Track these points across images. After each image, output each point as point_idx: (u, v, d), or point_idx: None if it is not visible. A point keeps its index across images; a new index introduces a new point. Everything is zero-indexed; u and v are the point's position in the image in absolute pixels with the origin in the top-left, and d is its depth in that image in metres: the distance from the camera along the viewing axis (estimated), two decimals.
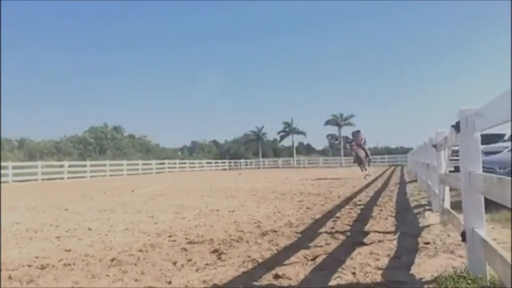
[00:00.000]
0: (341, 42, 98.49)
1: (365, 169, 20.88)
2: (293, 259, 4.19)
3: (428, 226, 5.85)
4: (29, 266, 4.15)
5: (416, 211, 7.62)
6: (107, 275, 3.76)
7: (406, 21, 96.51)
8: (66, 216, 8.13)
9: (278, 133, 68.52)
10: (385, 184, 15.88)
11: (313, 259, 4.16)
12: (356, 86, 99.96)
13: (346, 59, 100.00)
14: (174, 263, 4.15)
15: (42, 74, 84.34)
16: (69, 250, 4.91)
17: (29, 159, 33.01)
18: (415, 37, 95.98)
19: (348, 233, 5.57)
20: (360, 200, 9.83)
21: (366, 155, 21.18)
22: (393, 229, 5.85)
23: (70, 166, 30.59)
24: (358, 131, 21.86)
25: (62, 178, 28.58)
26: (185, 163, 47.32)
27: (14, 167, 25.88)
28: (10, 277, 3.72)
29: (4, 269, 4.06)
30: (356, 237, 5.24)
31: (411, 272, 3.62)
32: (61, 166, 29.91)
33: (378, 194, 11.45)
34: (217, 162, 53.92)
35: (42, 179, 26.84)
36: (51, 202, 11.19)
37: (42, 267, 4.08)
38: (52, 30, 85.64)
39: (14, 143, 39.40)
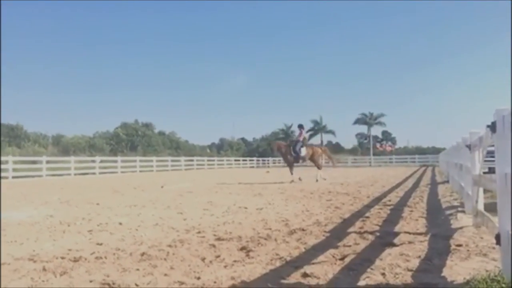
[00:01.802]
0: (371, 39, 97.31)
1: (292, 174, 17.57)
2: (321, 258, 4.17)
3: (460, 228, 5.72)
4: (62, 258, 4.26)
5: (448, 212, 7.46)
6: (137, 269, 3.82)
7: (438, 16, 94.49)
8: (98, 211, 8.30)
9: (307, 131, 68.12)
10: (416, 184, 15.61)
11: (342, 259, 4.12)
12: (387, 84, 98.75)
13: (377, 56, 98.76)
14: (203, 259, 4.18)
15: (76, 73, 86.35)
16: (101, 244, 5.01)
17: (62, 154, 33.79)
18: (449, 32, 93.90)
19: (378, 234, 5.49)
20: (389, 200, 9.69)
21: (301, 158, 17.73)
22: (424, 230, 5.75)
23: (101, 161, 31.21)
24: (299, 126, 18.60)
25: (94, 174, 29.20)
26: (213, 160, 47.63)
27: (48, 162, 26.58)
28: (44, 269, 3.83)
29: (39, 260, 4.18)
30: (385, 238, 5.17)
31: (443, 274, 3.54)
32: (93, 161, 30.54)
33: (408, 194, 11.27)
34: (245, 160, 54.07)
35: (75, 174, 27.47)
36: (83, 197, 11.45)
37: (75, 260, 4.18)
38: (85, 28, 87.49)
39: (48, 139, 40.42)
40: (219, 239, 5.27)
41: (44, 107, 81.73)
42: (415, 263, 3.93)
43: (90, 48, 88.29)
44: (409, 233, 5.50)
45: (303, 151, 17.47)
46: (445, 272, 3.59)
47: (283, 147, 18.13)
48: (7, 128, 36.86)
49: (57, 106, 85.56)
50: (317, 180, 17.02)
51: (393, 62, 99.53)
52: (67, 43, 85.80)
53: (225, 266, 3.93)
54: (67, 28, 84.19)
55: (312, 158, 18.07)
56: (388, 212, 7.71)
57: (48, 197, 11.39)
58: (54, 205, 9.42)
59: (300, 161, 18.04)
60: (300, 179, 17.08)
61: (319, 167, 18.00)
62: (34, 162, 26.66)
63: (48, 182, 20.78)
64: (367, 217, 7.05)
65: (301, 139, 17.75)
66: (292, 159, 17.66)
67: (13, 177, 23.23)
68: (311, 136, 68.46)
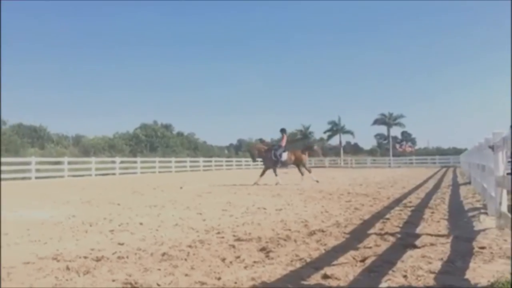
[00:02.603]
0: (391, 39, 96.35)
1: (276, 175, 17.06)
2: (341, 259, 4.14)
3: (483, 230, 5.62)
4: (85, 258, 4.32)
5: (470, 214, 7.35)
6: (159, 269, 3.85)
7: (461, 16, 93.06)
8: (119, 211, 8.40)
9: (325, 132, 67.79)
10: (437, 186, 15.41)
11: (363, 261, 4.09)
12: (406, 84, 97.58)
13: (395, 56, 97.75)
14: (223, 260, 4.20)
15: (96, 74, 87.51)
16: (122, 244, 5.07)
17: (83, 155, 34.29)
18: (472, 31, 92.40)
19: (399, 235, 5.44)
20: (410, 202, 9.59)
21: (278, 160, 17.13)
22: (446, 232, 5.67)
23: (121, 162, 31.56)
24: (281, 131, 17.76)
25: (114, 174, 29.55)
26: (231, 161, 47.73)
27: (69, 163, 26.99)
28: (67, 268, 3.89)
29: (62, 260, 4.25)
30: (407, 240, 5.11)
31: (466, 277, 3.49)
32: (113, 162, 30.90)
33: (429, 196, 11.13)
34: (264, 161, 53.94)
35: (96, 175, 27.84)
36: (104, 197, 11.61)
37: (97, 259, 4.24)
38: (105, 29, 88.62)
39: (69, 139, 41.06)
40: (238, 239, 5.29)
41: (64, 108, 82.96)
42: (437, 265, 3.88)
43: (110, 49, 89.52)
44: (431, 235, 5.43)
45: (284, 156, 17.14)
46: (468, 275, 3.54)
47: (263, 151, 17.78)
48: (30, 129, 37.55)
49: (77, 107, 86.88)
50: (317, 181, 16.84)
51: (414, 62, 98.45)
52: (88, 44, 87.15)
53: (245, 267, 3.94)
54: (87, 29, 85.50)
55: (296, 163, 17.74)
56: (409, 213, 7.63)
57: (70, 197, 11.57)
58: (76, 205, 9.57)
59: (279, 165, 17.55)
60: (278, 183, 16.48)
61: (302, 173, 17.53)
62: (56, 163, 27.09)
63: (69, 183, 21.11)
64: (388, 218, 6.98)
65: (283, 144, 17.34)
66: (272, 163, 17.30)
67: (36, 178, 23.65)
68: (329, 137, 68.21)
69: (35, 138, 36.50)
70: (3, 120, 34.68)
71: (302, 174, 17.39)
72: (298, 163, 17.67)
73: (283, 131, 17.46)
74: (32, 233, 5.93)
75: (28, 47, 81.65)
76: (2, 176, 22.11)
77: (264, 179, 16.92)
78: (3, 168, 22.62)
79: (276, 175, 17.02)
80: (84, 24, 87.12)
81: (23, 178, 23.20)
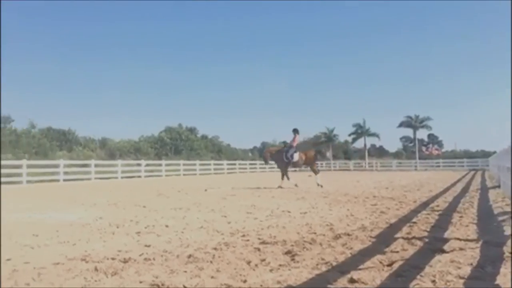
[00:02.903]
0: (416, 40, 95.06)
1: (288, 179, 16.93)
2: (368, 263, 4.10)
3: None
4: (113, 259, 4.39)
5: (500, 218, 7.18)
6: (185, 271, 3.88)
7: (492, 18, 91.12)
8: (145, 213, 8.50)
9: (350, 134, 67.09)
10: (465, 189, 15.08)
11: (390, 265, 4.04)
12: (433, 86, 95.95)
13: (421, 58, 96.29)
14: (248, 263, 4.21)
15: (121, 77, 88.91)
16: (149, 246, 5.13)
17: (109, 157, 34.85)
18: (493, 34, 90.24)
19: (426, 240, 5.35)
20: (437, 206, 9.41)
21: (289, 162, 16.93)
22: (475, 237, 5.55)
23: (147, 165, 31.92)
24: (294, 131, 17.23)
25: (139, 177, 29.92)
26: (255, 164, 47.76)
27: (96, 165, 27.46)
28: (96, 269, 3.96)
29: (91, 261, 4.32)
30: (434, 244, 5.02)
31: (496, 282, 3.42)
32: (139, 165, 31.29)
33: (457, 199, 10.91)
34: None
35: (122, 177, 28.24)
36: (130, 199, 11.76)
37: (125, 261, 4.30)
38: (132, 32, 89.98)
39: (96, 142, 41.76)
40: (263, 242, 5.28)
41: (91, 112, 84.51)
42: (466, 270, 3.81)
43: (137, 53, 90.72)
44: (460, 239, 5.32)
45: (296, 157, 16.94)
46: (499, 280, 3.46)
47: (275, 153, 17.73)
48: (59, 132, 38.39)
49: (103, 111, 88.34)
50: (318, 184, 16.46)
51: (441, 64, 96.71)
52: (114, 48, 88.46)
53: (270, 270, 3.94)
54: (113, 33, 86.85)
55: (307, 163, 17.60)
56: (437, 217, 7.49)
57: (97, 199, 11.76)
58: (103, 207, 9.72)
59: (292, 166, 17.49)
60: (296, 185, 16.52)
61: (315, 172, 17.48)
62: (84, 166, 27.60)
63: (96, 185, 21.48)
64: (415, 222, 6.87)
65: (294, 144, 17.13)
66: (284, 164, 17.12)
67: (64, 180, 24.13)
68: (354, 140, 67.47)
69: (63, 141, 37.27)
70: (32, 123, 35.54)
71: (315, 173, 17.40)
72: (311, 164, 17.59)
73: (295, 131, 17.19)
74: (61, 234, 6.05)
75: (56, 51, 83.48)
76: (32, 178, 22.68)
77: (294, 181, 16.87)
78: (33, 170, 23.18)
79: (286, 177, 16.93)
80: (111, 28, 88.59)
81: (51, 181, 23.71)
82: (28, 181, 22.26)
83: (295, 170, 21.30)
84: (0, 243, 4.52)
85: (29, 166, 22.98)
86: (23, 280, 3.65)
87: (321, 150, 21.28)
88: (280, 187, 16.48)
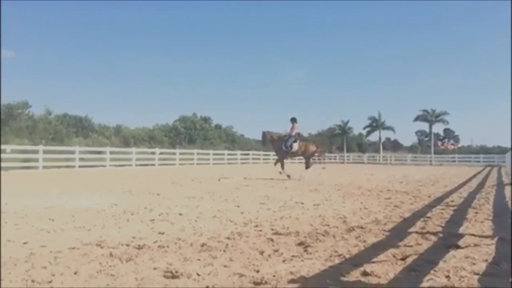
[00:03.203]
0: (434, 35, 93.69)
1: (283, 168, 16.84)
2: (381, 257, 4.09)
3: None
4: (127, 245, 4.44)
5: None
6: (198, 259, 3.91)
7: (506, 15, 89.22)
8: (159, 201, 8.57)
9: (364, 127, 66.62)
10: (481, 185, 14.91)
11: (403, 259, 4.02)
12: (450, 80, 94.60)
13: (437, 51, 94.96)
14: (261, 253, 4.22)
15: (137, 67, 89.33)
16: (163, 233, 5.17)
17: (124, 145, 35.10)
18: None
19: (440, 235, 5.30)
20: (452, 201, 9.32)
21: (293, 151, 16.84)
22: (490, 233, 5.49)
23: (161, 153, 32.12)
24: (292, 120, 17.02)
25: (153, 165, 30.13)
26: (269, 154, 47.71)
27: (111, 152, 27.72)
28: (111, 255, 4.01)
29: (106, 246, 4.38)
30: (449, 239, 4.98)
31: None
32: (153, 153, 31.49)
33: (472, 195, 10.79)
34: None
35: (136, 165, 28.48)
36: (145, 187, 11.86)
37: (139, 247, 4.35)
38: (148, 23, 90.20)
39: (111, 130, 42.03)
40: (276, 233, 5.29)
41: (106, 99, 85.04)
42: (481, 266, 3.77)
43: (151, 43, 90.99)
44: (475, 235, 5.27)
45: (295, 146, 16.73)
46: None
47: (276, 140, 17.43)
48: (75, 119, 38.75)
49: (119, 98, 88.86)
50: (299, 178, 16.19)
51: (456, 59, 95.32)
52: (130, 38, 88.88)
53: (283, 261, 3.95)
54: (129, 22, 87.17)
55: (304, 155, 17.40)
56: (451, 212, 7.42)
57: (112, 186, 11.89)
58: (117, 194, 9.82)
59: (289, 156, 17.35)
60: (289, 176, 16.39)
61: (307, 166, 17.27)
62: (99, 153, 27.87)
63: (111, 172, 21.70)
64: (429, 217, 6.82)
65: (293, 133, 16.89)
66: (283, 153, 16.96)
67: (79, 166, 24.41)
68: (368, 133, 67.04)
69: (79, 128, 37.62)
70: (48, 109, 35.88)
71: (307, 167, 17.19)
72: (307, 155, 17.40)
73: (293, 120, 16.99)
74: (77, 219, 6.14)
75: (74, 40, 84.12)
76: (48, 163, 22.98)
77: (307, 172, 16.84)
78: (49, 156, 23.49)
79: (282, 168, 16.84)
80: (126, 17, 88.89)
81: (67, 167, 24.01)
82: (44, 167, 22.58)
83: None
84: (0, 240, 4.59)
85: (45, 152, 23.29)
86: (40, 263, 3.71)
87: (321, 147, 21.06)
88: (280, 172, 16.47)
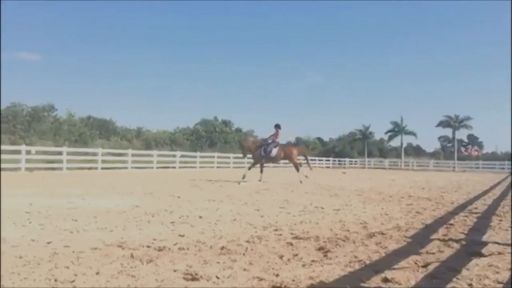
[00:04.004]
0: (457, 39, 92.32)
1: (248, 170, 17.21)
2: (402, 264, 4.04)
3: None
4: (148, 247, 4.49)
5: None
6: (218, 262, 3.93)
7: None
8: (179, 203, 8.63)
9: (386, 132, 65.98)
10: (505, 192, 14.59)
11: (425, 266, 3.97)
12: (474, 85, 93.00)
13: (461, 56, 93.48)
14: (281, 257, 4.22)
15: (159, 71, 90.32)
16: (183, 235, 5.21)
17: (145, 148, 35.46)
18: None
19: (463, 242, 5.22)
20: (476, 208, 9.15)
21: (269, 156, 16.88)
22: None
23: (181, 156, 32.33)
24: (276, 126, 17.12)
25: (174, 167, 30.35)
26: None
27: (133, 155, 28.06)
28: (132, 256, 4.06)
29: (127, 247, 4.44)
30: (472, 247, 4.90)
31: None
32: (174, 156, 31.72)
33: (497, 202, 10.57)
34: (321, 160, 53.56)
35: (157, 167, 28.74)
36: (165, 189, 11.96)
37: (160, 249, 4.39)
38: (173, 27, 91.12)
39: (132, 132, 42.50)
40: (296, 237, 5.28)
41: (129, 102, 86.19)
42: (505, 275, 3.70)
43: (174, 46, 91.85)
44: (498, 243, 5.16)
45: (274, 152, 16.77)
46: None
47: (253, 145, 17.53)
48: (99, 122, 39.37)
49: (141, 102, 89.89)
50: (301, 182, 16.15)
51: (481, 63, 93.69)
52: (152, 42, 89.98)
53: (303, 265, 3.94)
54: (152, 28, 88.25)
55: (287, 159, 17.46)
56: (475, 220, 7.29)
57: (133, 188, 12.02)
58: (139, 196, 9.93)
59: (264, 161, 17.33)
60: (260, 180, 16.49)
61: (296, 169, 17.15)
62: (120, 155, 28.23)
63: (133, 174, 21.95)
64: (452, 224, 6.71)
65: (276, 139, 17.01)
66: (260, 158, 17.08)
67: (102, 168, 24.77)
68: (390, 138, 66.40)
69: (103, 130, 38.18)
70: (71, 112, 36.49)
71: (297, 169, 17.09)
72: (289, 159, 17.44)
73: (277, 126, 17.12)
74: (99, 220, 6.23)
75: (98, 43, 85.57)
76: (71, 165, 23.38)
77: (328, 177, 16.77)
78: (73, 157, 23.92)
79: (261, 171, 17.03)
80: (148, 21, 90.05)
81: (90, 168, 24.37)
82: (67, 168, 22.98)
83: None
84: (0, 241, 4.71)
85: (69, 153, 23.71)
86: (63, 263, 3.78)
87: (304, 151, 21.22)
88: (243, 181, 16.48)
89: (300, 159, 18.92)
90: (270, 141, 17.00)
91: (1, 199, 7.94)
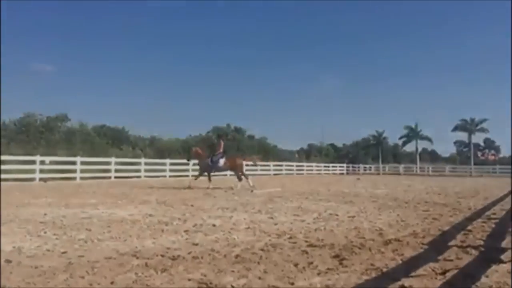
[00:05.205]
0: (470, 38, 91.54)
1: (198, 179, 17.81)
2: (420, 271, 3.97)
3: None
4: (162, 256, 4.48)
5: None
6: (232, 271, 3.90)
7: None
8: (192, 212, 8.63)
9: (400, 138, 65.53)
10: None
11: (443, 273, 3.90)
12: (490, 87, 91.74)
13: (476, 57, 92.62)
14: (296, 265, 4.17)
15: (171, 78, 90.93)
16: (197, 244, 5.20)
17: (158, 156, 35.60)
18: None
19: (482, 249, 5.12)
20: (494, 214, 9.00)
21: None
22: None
23: (194, 164, 32.39)
24: (219, 137, 18.47)
25: (187, 176, 30.41)
26: (302, 165, 47.54)
27: (146, 163, 28.23)
28: (146, 265, 4.05)
29: (141, 257, 4.43)
30: (491, 254, 4.81)
31: None
32: (187, 164, 31.79)
33: None
34: (335, 166, 53.34)
35: (170, 176, 28.84)
36: (178, 198, 11.97)
37: (174, 258, 4.38)
38: (184, 36, 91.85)
39: (145, 141, 42.74)
40: (311, 245, 5.23)
41: (141, 111, 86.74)
42: None
43: (186, 53, 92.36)
44: None
45: (221, 162, 17.60)
46: None
47: (201, 155, 18.33)
48: (113, 131, 39.72)
49: (153, 110, 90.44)
50: (233, 187, 16.93)
51: (497, 64, 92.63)
52: (164, 50, 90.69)
53: (318, 273, 3.89)
54: (165, 35, 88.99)
55: (232, 169, 18.27)
56: (493, 226, 7.16)
57: (146, 197, 12.05)
58: (152, 205, 9.95)
59: (213, 170, 17.94)
60: (209, 187, 16.85)
61: (239, 179, 17.74)
62: (133, 164, 28.40)
63: (146, 183, 22.02)
64: (470, 230, 6.59)
65: (220, 150, 17.84)
66: (207, 168, 17.76)
67: (115, 177, 24.93)
68: (404, 143, 65.91)
69: (116, 140, 38.45)
70: (84, 122, 36.82)
71: (239, 179, 17.63)
72: (234, 169, 18.14)
73: (219, 137, 18.15)
74: (113, 230, 6.25)
75: (111, 54, 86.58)
76: (86, 174, 23.58)
77: (342, 183, 16.67)
78: (87, 167, 24.13)
79: (210, 180, 17.54)
80: (163, 31, 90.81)
81: (103, 178, 24.53)
82: (81, 178, 23.17)
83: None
84: (0, 243, 4.71)
85: (82, 163, 23.94)
86: (78, 273, 3.78)
87: (253, 158, 22.25)
88: (208, 187, 16.79)
89: (249, 164, 19.86)
90: (217, 152, 17.85)
91: (0, 208, 8.08)
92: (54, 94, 72.83)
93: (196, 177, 18.25)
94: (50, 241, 5.33)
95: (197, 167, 19.41)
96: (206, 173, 17.90)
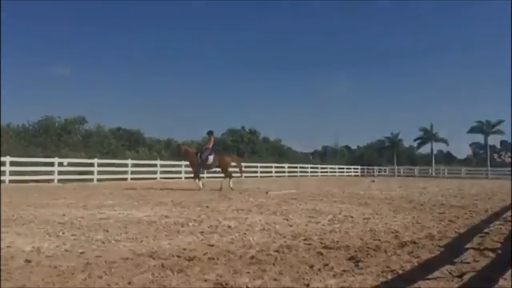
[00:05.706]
0: (487, 38, 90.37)
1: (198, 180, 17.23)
2: (436, 273, 3.95)
3: None
4: (178, 257, 4.52)
5: None
6: (248, 272, 3.93)
7: None
8: (208, 213, 8.68)
9: (415, 140, 64.96)
10: None
11: (460, 276, 3.87)
12: (505, 88, 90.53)
13: (491, 59, 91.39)
14: (311, 267, 4.18)
15: (185, 82, 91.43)
16: (212, 245, 5.23)
17: (173, 158, 35.83)
18: None
19: (499, 251, 5.07)
20: (511, 216, 8.88)
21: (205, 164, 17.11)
22: None
23: (186, 166, 32.53)
24: (208, 133, 17.64)
25: (202, 177, 30.50)
26: (317, 167, 47.42)
27: (161, 165, 28.45)
28: (162, 266, 4.10)
29: (157, 257, 4.48)
30: (508, 256, 4.76)
31: None
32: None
33: None
34: (349, 168, 53.10)
35: (185, 178, 28.99)
36: (194, 199, 12.04)
37: (190, 259, 4.41)
38: (201, 40, 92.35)
39: (161, 143, 43.01)
40: (326, 247, 5.23)
41: (157, 113, 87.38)
42: None
43: (199, 56, 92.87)
44: None
45: (210, 159, 17.04)
46: None
47: (190, 153, 17.84)
48: (129, 133, 40.08)
49: (168, 113, 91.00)
50: (232, 188, 16.62)
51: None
52: (179, 55, 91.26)
53: (334, 275, 3.89)
54: (181, 39, 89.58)
55: (220, 166, 17.64)
56: (510, 228, 7.07)
57: (162, 199, 12.15)
58: (168, 206, 10.02)
59: (203, 168, 17.78)
60: (203, 185, 16.89)
61: (228, 176, 17.46)
62: (150, 166, 28.63)
63: (162, 185, 22.17)
64: (487, 233, 6.53)
65: (210, 146, 17.27)
66: (198, 166, 17.36)
67: (131, 179, 25.17)
68: (419, 145, 65.30)
69: (132, 142, 38.79)
70: (101, 125, 37.19)
71: (230, 177, 17.39)
72: (222, 167, 17.66)
73: (210, 133, 17.59)
74: (130, 230, 6.31)
75: (128, 58, 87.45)
76: (103, 176, 23.86)
77: (356, 185, 16.59)
78: (104, 169, 24.43)
79: (197, 178, 17.34)
80: (176, 35, 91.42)
81: (120, 179, 24.78)
82: (98, 179, 23.45)
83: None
84: (0, 244, 4.78)
85: (99, 165, 24.25)
86: (95, 273, 3.84)
87: (242, 153, 22.29)
88: (199, 188, 16.65)
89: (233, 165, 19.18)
90: (204, 148, 17.41)
91: (1, 208, 8.20)
92: (71, 97, 74.02)
93: (195, 177, 17.72)
94: (68, 241, 5.42)
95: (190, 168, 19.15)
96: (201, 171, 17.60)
